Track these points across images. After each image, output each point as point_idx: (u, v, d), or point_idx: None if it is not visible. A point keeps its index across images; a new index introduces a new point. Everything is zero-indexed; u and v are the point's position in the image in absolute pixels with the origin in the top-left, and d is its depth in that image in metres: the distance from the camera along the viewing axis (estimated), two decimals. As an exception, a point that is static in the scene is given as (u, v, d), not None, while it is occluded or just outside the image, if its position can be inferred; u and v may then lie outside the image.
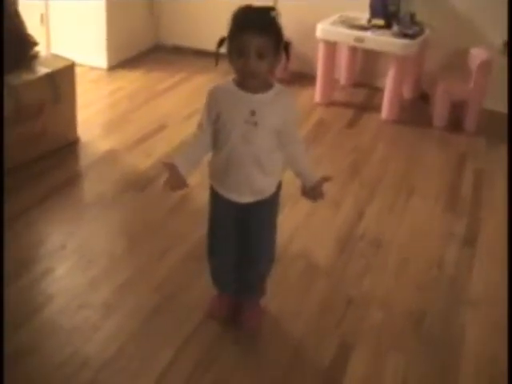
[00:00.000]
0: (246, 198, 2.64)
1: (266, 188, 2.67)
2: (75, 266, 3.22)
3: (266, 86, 2.51)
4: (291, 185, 4.10)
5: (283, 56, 2.49)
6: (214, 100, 2.53)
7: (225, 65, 2.48)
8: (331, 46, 5.34)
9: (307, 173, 2.66)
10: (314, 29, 5.29)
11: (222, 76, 2.62)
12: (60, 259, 3.26)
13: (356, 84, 5.93)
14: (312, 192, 2.65)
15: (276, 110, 2.50)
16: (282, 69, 5.90)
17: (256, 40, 2.34)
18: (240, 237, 2.75)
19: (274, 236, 2.83)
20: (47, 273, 3.14)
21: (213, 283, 2.94)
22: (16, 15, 4.15)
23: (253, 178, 2.59)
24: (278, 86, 2.54)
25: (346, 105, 5.53)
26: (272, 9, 2.42)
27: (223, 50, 2.44)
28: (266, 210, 2.72)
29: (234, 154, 2.54)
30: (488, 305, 3.15)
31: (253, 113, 2.47)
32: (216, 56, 2.47)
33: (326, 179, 2.61)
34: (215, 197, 2.71)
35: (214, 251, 2.83)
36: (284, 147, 2.59)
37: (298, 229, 3.65)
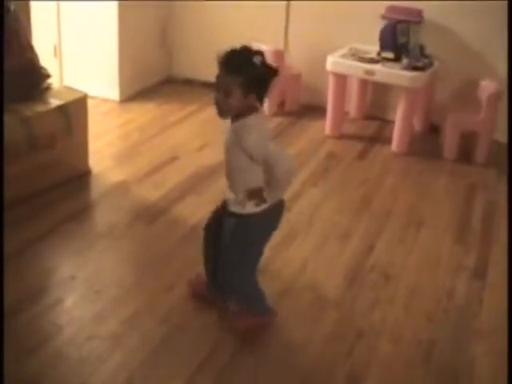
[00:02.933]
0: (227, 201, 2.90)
1: (233, 203, 2.83)
2: (84, 297, 3.22)
3: (238, 117, 2.66)
4: (302, 216, 4.13)
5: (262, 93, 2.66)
6: None
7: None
8: (341, 79, 5.36)
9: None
10: (324, 61, 5.33)
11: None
12: (69, 290, 3.27)
13: (366, 116, 5.94)
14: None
15: (235, 140, 2.67)
16: (292, 102, 5.97)
17: (224, 79, 2.59)
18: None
19: (243, 261, 2.93)
20: (56, 303, 3.14)
21: None
22: (29, 47, 4.20)
23: (228, 188, 2.87)
24: (245, 120, 2.66)
25: (356, 137, 5.55)
26: (257, 52, 2.59)
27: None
28: (233, 224, 2.86)
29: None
30: (498, 337, 3.12)
31: (225, 138, 2.73)
32: None
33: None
34: None
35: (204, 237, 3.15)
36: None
37: (307, 260, 3.64)
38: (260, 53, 2.59)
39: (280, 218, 2.95)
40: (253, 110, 2.66)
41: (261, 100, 2.67)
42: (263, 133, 2.75)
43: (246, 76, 2.56)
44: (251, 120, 2.65)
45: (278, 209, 2.92)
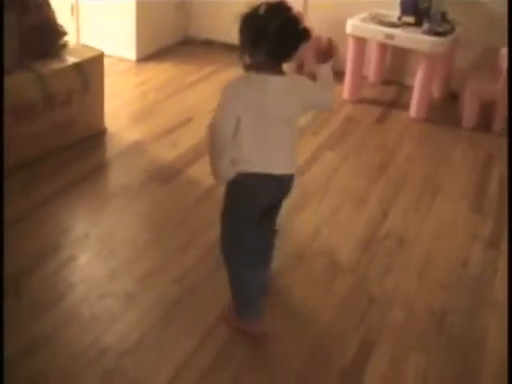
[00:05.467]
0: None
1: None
2: (97, 256, 3.23)
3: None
4: (318, 179, 4.10)
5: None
6: None
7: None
8: (361, 43, 5.30)
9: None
10: (343, 25, 5.26)
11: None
12: (83, 248, 3.27)
13: (385, 81, 5.88)
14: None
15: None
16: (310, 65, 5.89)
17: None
18: None
19: (223, 225, 2.78)
20: (70, 261, 3.15)
21: None
22: (47, 5, 4.16)
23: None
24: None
25: (374, 102, 5.49)
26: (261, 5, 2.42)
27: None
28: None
29: None
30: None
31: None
32: None
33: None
34: None
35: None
36: None
37: (322, 225, 3.62)
38: (269, 4, 2.43)
39: None
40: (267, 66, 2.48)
41: (273, 55, 2.47)
42: None
43: (249, 30, 2.45)
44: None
45: None
